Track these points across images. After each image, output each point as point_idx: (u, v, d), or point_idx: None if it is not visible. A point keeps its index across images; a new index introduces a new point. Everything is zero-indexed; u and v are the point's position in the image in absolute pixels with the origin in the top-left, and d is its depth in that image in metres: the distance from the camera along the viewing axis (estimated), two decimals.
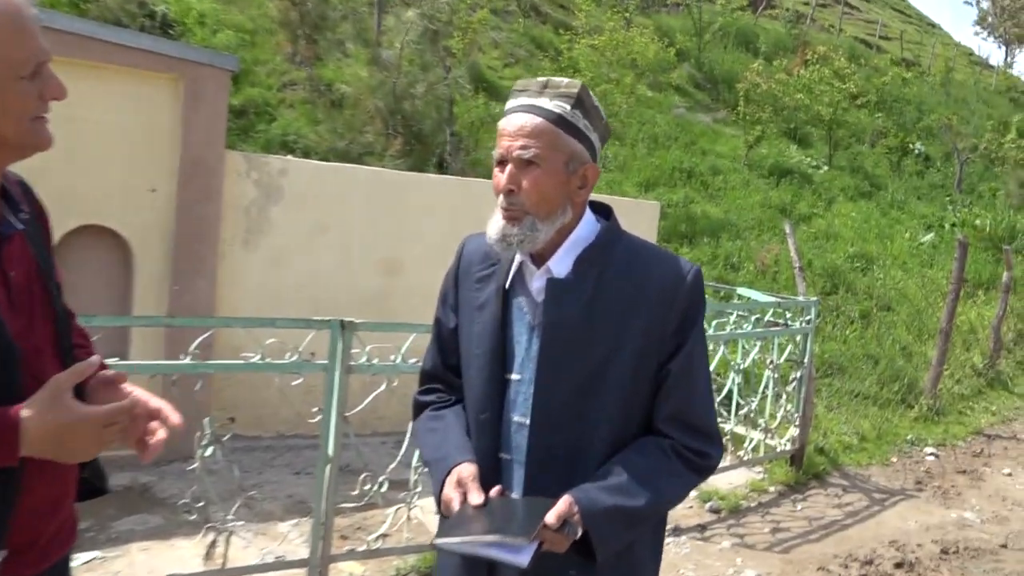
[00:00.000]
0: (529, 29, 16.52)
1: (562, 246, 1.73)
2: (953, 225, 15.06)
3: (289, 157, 6.26)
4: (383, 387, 3.95)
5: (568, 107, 1.68)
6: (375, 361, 3.94)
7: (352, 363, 3.87)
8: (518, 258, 1.77)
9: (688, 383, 1.72)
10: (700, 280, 1.74)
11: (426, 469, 1.86)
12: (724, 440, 5.28)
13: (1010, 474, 7.17)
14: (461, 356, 1.86)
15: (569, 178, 1.69)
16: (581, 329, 1.68)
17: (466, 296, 1.86)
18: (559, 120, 1.67)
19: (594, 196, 1.81)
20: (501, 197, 1.69)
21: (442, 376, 1.93)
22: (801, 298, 6.56)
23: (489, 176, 8.60)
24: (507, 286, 1.78)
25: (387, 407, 4.16)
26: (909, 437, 7.81)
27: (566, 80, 1.72)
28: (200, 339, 3.63)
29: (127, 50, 5.17)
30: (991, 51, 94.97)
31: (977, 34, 60.85)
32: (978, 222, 14.85)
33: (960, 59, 35.66)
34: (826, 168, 16.38)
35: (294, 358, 3.77)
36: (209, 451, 3.67)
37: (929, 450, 7.60)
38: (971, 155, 19.88)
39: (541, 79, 1.72)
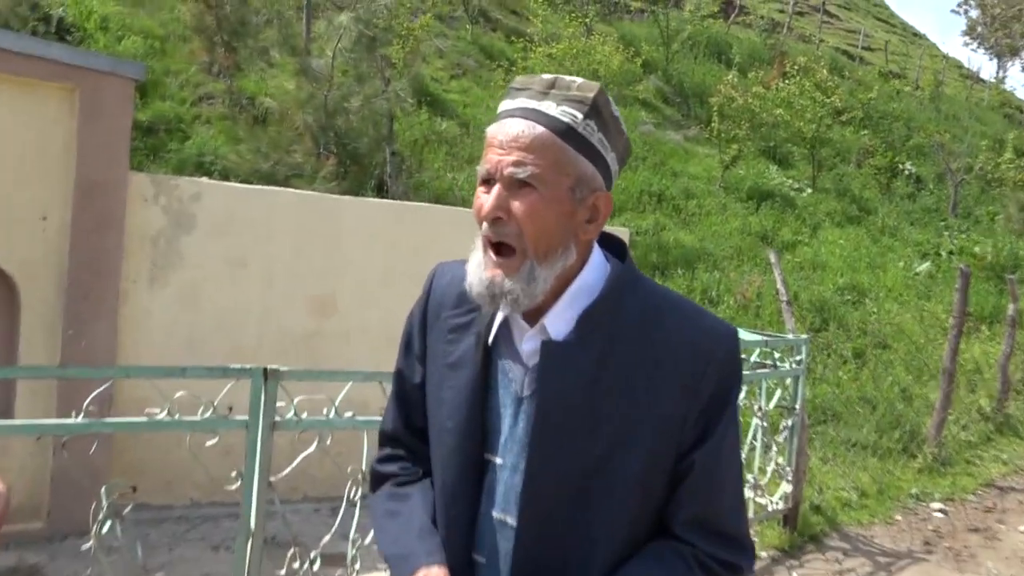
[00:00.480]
0: (478, 37, 16.60)
1: (562, 297, 1.53)
2: (950, 253, 15.33)
3: (204, 179, 6.12)
4: (314, 446, 3.79)
5: (580, 116, 1.47)
6: (304, 415, 3.79)
7: (277, 419, 3.72)
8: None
9: (716, 479, 1.53)
10: (737, 347, 1.56)
11: (374, 546, 1.72)
12: None
13: None
14: (429, 423, 1.69)
15: (575, 208, 1.49)
16: (584, 408, 1.48)
17: (436, 347, 1.67)
18: (568, 132, 1.47)
19: None
20: (484, 226, 1.49)
21: (406, 441, 1.76)
22: (790, 336, 6.55)
23: (436, 200, 8.54)
24: (490, 342, 1.59)
25: (320, 468, 4.00)
26: (913, 491, 7.82)
27: (580, 80, 1.51)
28: (96, 392, 3.45)
29: (11, 56, 5.00)
30: (982, 63, 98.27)
31: (967, 45, 62.99)
32: (977, 249, 15.15)
33: (950, 72, 36.76)
34: (810, 191, 16.63)
35: (208, 414, 3.60)
36: (107, 526, 3.48)
37: (936, 505, 7.61)
38: (966, 176, 20.37)
39: (547, 76, 1.53)
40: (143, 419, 3.55)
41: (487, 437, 1.58)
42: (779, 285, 6.66)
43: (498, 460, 1.57)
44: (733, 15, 26.33)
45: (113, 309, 5.49)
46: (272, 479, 3.70)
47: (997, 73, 52.64)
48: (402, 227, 6.48)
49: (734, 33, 24.87)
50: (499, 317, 1.59)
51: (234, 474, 3.66)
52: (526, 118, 1.47)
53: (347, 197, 6.96)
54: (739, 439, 1.60)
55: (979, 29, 50.18)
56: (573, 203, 1.48)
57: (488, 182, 1.49)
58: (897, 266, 14.18)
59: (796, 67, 17.69)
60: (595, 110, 1.48)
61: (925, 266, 14.36)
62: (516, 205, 1.45)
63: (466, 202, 11.01)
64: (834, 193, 17.10)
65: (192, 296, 5.81)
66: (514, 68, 13.96)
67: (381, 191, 10.72)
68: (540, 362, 1.51)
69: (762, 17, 28.09)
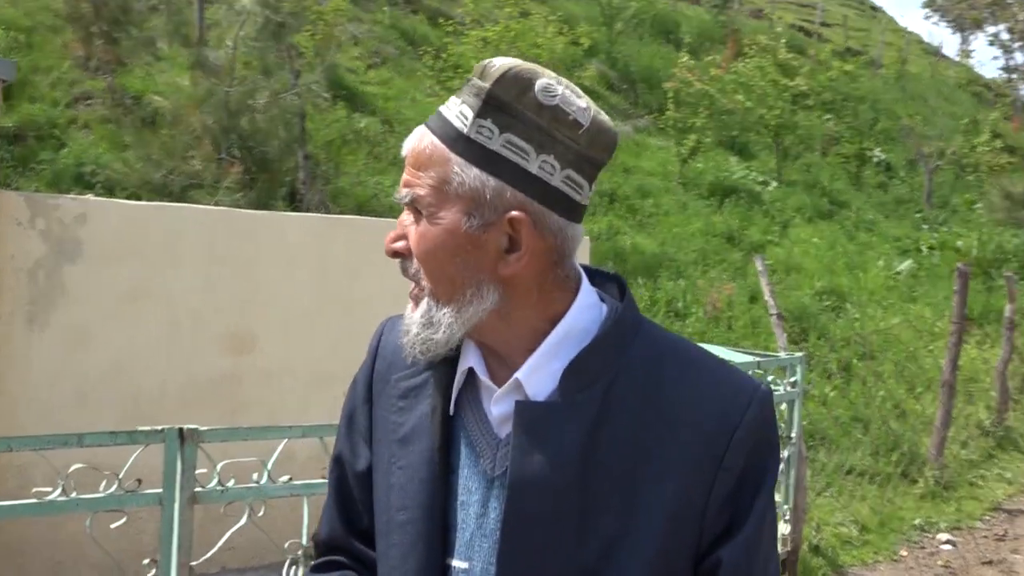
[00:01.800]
0: (397, 20, 16.41)
1: (542, 346, 1.31)
2: (931, 248, 15.57)
3: (91, 197, 5.79)
4: (244, 519, 3.52)
5: (471, 115, 1.26)
6: (231, 484, 3.51)
7: (198, 489, 3.43)
8: (464, 360, 1.36)
9: None
10: (772, 411, 1.33)
11: None
12: None
13: None
14: (376, 520, 1.46)
15: (479, 238, 1.27)
16: (573, 491, 1.27)
17: (384, 420, 1.45)
18: (457, 139, 1.26)
19: None
20: None
21: (346, 546, 1.53)
22: (783, 354, 6.43)
23: (358, 209, 8.29)
24: (452, 408, 1.37)
25: (249, 538, 3.73)
26: (917, 521, 7.80)
27: (497, 62, 1.28)
28: None
29: None
30: (943, 38, 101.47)
31: (928, 18, 64.74)
32: (960, 243, 15.39)
33: (911, 48, 37.65)
34: (776, 184, 16.75)
35: (112, 488, 3.30)
36: None
37: (944, 536, 7.60)
38: (939, 162, 20.75)
39: (486, 62, 1.30)
40: (31, 500, 3.23)
41: (448, 534, 1.35)
42: (767, 296, 6.54)
43: (462, 564, 1.33)
44: None
45: None
46: (193, 564, 3.43)
47: (961, 48, 54.16)
48: (332, 245, 6.22)
49: (682, 10, 25.07)
50: (460, 376, 1.37)
51: (147, 561, 3.38)
52: (427, 125, 1.31)
53: (265, 212, 6.69)
54: (776, 535, 1.36)
55: (940, 0, 51.48)
56: (471, 232, 1.27)
57: None
58: (877, 265, 14.34)
59: (755, 46, 17.81)
60: (493, 104, 1.25)
61: (907, 264, 14.54)
62: (412, 236, 1.31)
63: (394, 211, 10.76)
64: (802, 186, 17.27)
65: (80, 337, 5.47)
66: (444, 55, 13.76)
67: (294, 201, 10.43)
68: (514, 429, 1.28)
69: None
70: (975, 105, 31.93)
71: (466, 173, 1.25)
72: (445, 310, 1.29)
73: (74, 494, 3.23)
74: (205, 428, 3.48)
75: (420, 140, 1.29)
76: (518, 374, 1.30)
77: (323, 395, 5.85)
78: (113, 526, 3.33)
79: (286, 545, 3.61)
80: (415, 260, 1.30)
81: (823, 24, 33.59)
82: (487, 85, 1.25)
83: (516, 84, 1.25)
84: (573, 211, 1.31)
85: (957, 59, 44.51)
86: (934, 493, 8.44)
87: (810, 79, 19.40)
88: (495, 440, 1.33)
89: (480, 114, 1.25)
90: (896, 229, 16.70)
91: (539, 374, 1.30)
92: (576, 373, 1.28)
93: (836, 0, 41.37)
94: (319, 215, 6.91)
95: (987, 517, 8.24)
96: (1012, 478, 9.34)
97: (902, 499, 8.22)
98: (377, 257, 6.40)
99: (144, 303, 5.68)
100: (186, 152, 9.39)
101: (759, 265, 6.85)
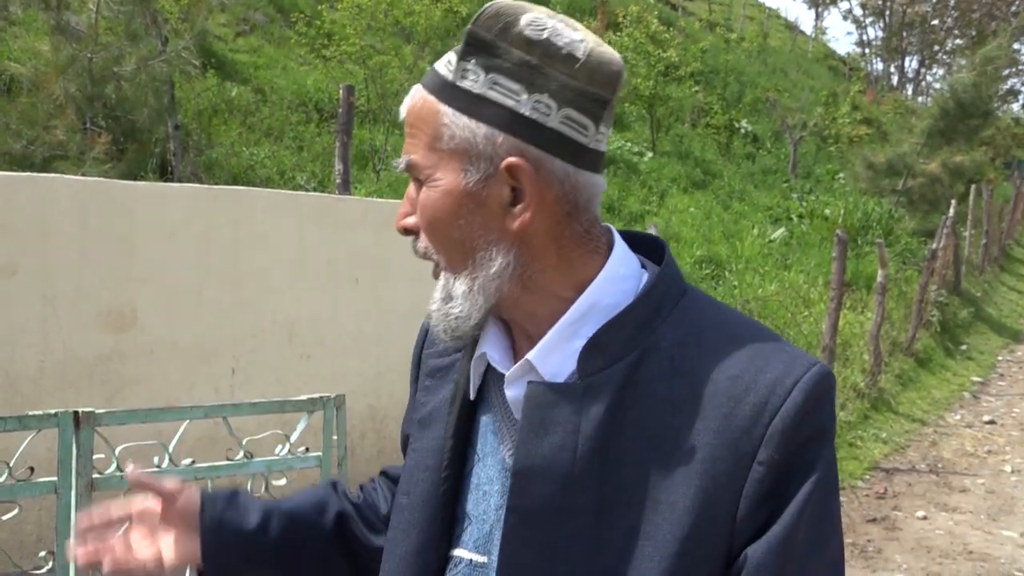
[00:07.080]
0: None
1: (560, 321, 1.18)
2: (801, 216, 15.99)
3: None
4: None
5: (454, 59, 1.15)
6: (130, 468, 3.30)
7: (96, 475, 3.22)
8: (483, 343, 1.26)
9: None
10: (822, 394, 1.13)
11: None
12: None
13: (925, 517, 7.46)
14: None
15: (480, 192, 1.15)
16: (584, 487, 1.14)
17: (415, 401, 1.42)
18: (443, 88, 1.16)
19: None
20: None
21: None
22: None
23: (233, 181, 7.97)
24: (473, 392, 1.27)
25: None
26: None
27: (498, 4, 1.16)
28: None
29: None
30: (799, 13, 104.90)
31: None
32: (828, 211, 15.84)
33: (772, 23, 38.71)
34: (651, 155, 16.94)
35: (3, 478, 3.07)
36: None
37: None
38: (803, 133, 21.39)
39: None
40: None
41: (459, 524, 1.26)
42: None
43: (480, 558, 1.23)
44: None
45: None
46: None
47: (815, 23, 56.02)
48: (215, 217, 5.95)
49: None
50: (477, 357, 1.27)
51: (43, 554, 3.17)
52: (421, 81, 1.21)
53: (143, 183, 6.38)
54: (836, 528, 1.16)
55: None
56: (471, 188, 1.15)
57: None
58: (752, 234, 14.67)
59: (628, 17, 17.96)
60: (475, 44, 1.14)
61: (780, 232, 14.90)
62: (418, 208, 1.21)
63: (270, 181, 10.44)
64: (675, 156, 17.54)
65: None
66: (317, 22, 13.41)
67: (165, 172, 10.03)
68: (523, 413, 1.16)
69: None
70: (832, 78, 33.09)
71: (456, 123, 1.14)
72: (460, 280, 1.18)
73: None
74: (102, 411, 3.28)
75: (412, 98, 1.19)
76: (529, 355, 1.17)
77: (208, 371, 5.64)
78: (4, 518, 3.12)
79: None
80: (422, 235, 1.19)
81: None
82: (469, 28, 1.15)
83: (498, 20, 1.14)
84: (580, 155, 1.16)
85: (813, 34, 45.93)
86: None
87: (682, 51, 19.72)
88: (514, 426, 1.21)
89: (463, 56, 1.14)
90: (766, 198, 17.12)
91: (557, 354, 1.17)
92: (595, 351, 1.15)
93: None
94: (202, 186, 6.62)
95: (868, 476, 8.51)
96: (887, 438, 9.67)
97: None
98: (263, 229, 6.15)
99: (16, 279, 5.34)
100: (48, 121, 8.89)
101: (652, 231, 6.86)
